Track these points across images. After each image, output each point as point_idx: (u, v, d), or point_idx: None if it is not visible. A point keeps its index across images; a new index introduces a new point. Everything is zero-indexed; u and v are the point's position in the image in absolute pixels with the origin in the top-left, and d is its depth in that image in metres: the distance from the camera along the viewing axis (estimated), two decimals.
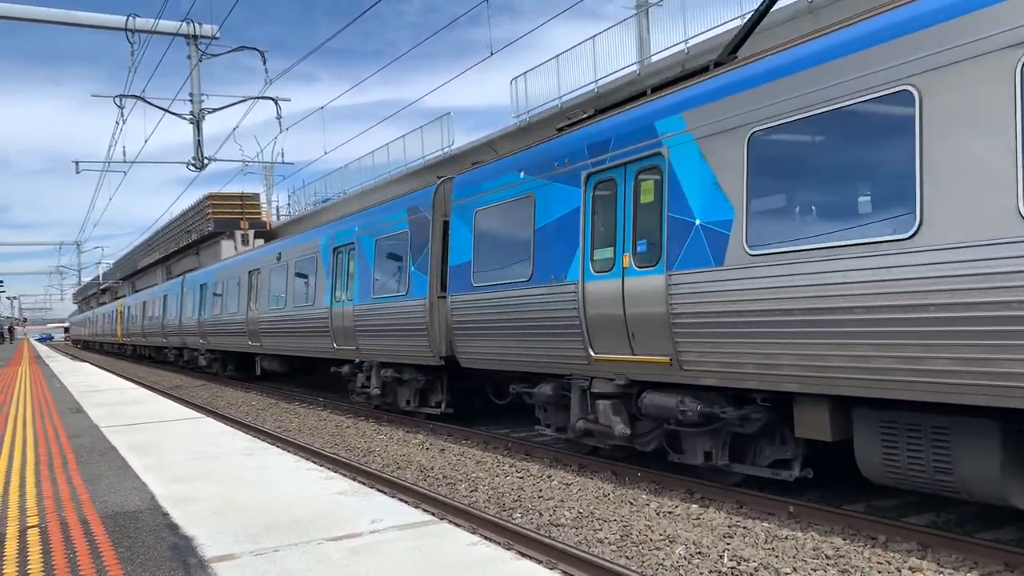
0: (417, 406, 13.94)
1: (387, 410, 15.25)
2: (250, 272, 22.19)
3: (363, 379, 15.59)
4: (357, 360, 15.64)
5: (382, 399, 14.87)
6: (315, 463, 7.57)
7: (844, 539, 6.60)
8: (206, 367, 28.71)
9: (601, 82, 21.61)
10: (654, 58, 20.28)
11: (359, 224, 15.62)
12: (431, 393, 13.80)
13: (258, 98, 23.61)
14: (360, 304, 15.04)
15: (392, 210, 14.33)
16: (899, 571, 5.79)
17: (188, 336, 29.54)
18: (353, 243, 15.68)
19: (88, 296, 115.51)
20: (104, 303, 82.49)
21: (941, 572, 5.72)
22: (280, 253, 19.99)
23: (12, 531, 5.42)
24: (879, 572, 5.80)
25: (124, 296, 72.58)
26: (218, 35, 23.17)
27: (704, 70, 8.32)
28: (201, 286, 27.77)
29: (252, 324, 21.48)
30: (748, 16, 16.97)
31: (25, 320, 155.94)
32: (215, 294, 25.59)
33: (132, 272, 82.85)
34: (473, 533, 6.10)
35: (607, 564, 6.00)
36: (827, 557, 6.18)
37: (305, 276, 17.98)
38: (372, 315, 14.53)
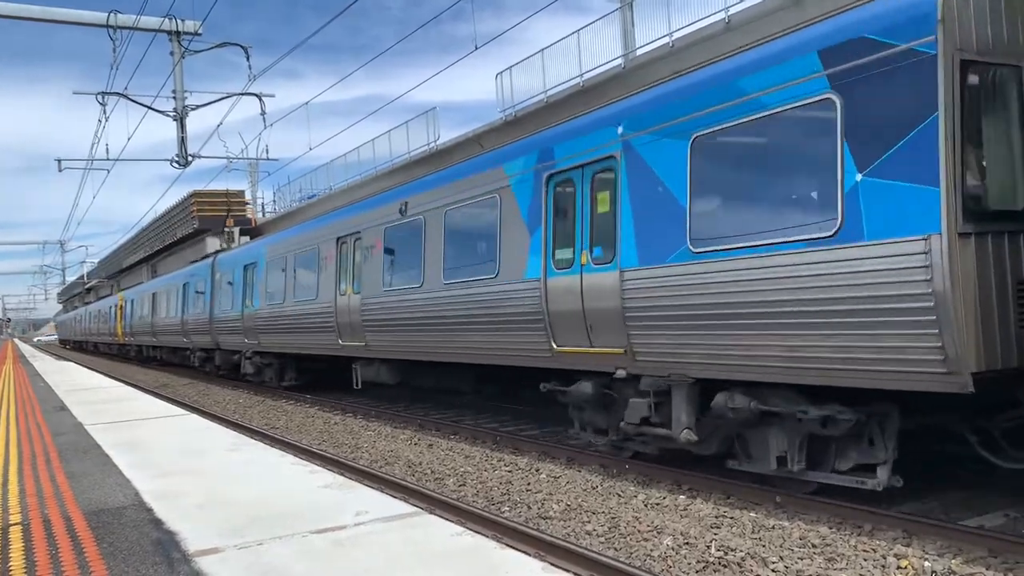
0: None
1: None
2: (342, 239, 15.69)
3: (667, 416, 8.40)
4: (629, 372, 8.59)
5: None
6: (301, 459, 7.54)
7: (830, 528, 6.63)
8: (252, 375, 21.62)
9: (586, 76, 21.60)
10: (639, 51, 20.28)
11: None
12: None
13: (242, 94, 23.45)
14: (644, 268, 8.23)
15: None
16: (885, 559, 5.82)
17: (224, 335, 22.94)
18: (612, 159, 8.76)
19: (73, 296, 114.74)
20: (89, 302, 77.53)
21: (926, 559, 5.75)
22: (406, 203, 13.30)
23: None
24: (865, 560, 5.82)
25: (123, 290, 69.08)
26: (200, 31, 22.98)
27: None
28: (246, 267, 21.37)
29: (352, 314, 14.98)
30: (732, 9, 17.02)
31: (9, 320, 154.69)
32: (276, 275, 18.85)
33: (117, 271, 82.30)
34: (459, 525, 6.08)
35: (595, 556, 6.00)
36: (813, 546, 6.20)
37: (480, 232, 11.20)
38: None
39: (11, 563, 4.54)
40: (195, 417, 11.40)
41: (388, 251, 13.81)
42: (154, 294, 33.90)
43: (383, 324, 13.75)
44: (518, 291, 9.96)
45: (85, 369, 29.14)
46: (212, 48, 23.00)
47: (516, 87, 24.34)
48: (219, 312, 23.29)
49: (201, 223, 52.37)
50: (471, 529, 5.09)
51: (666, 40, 19.12)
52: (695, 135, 7.60)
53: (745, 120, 7.09)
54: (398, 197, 13.71)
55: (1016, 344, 5.82)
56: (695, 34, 18.21)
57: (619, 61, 20.79)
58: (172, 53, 22.98)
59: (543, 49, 23.07)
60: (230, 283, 22.43)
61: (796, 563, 5.81)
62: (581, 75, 21.75)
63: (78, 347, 74.11)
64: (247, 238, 46.45)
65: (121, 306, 43.11)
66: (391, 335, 13.51)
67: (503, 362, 10.65)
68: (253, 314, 20.27)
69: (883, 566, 5.67)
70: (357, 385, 15.76)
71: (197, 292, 25.99)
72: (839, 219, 6.23)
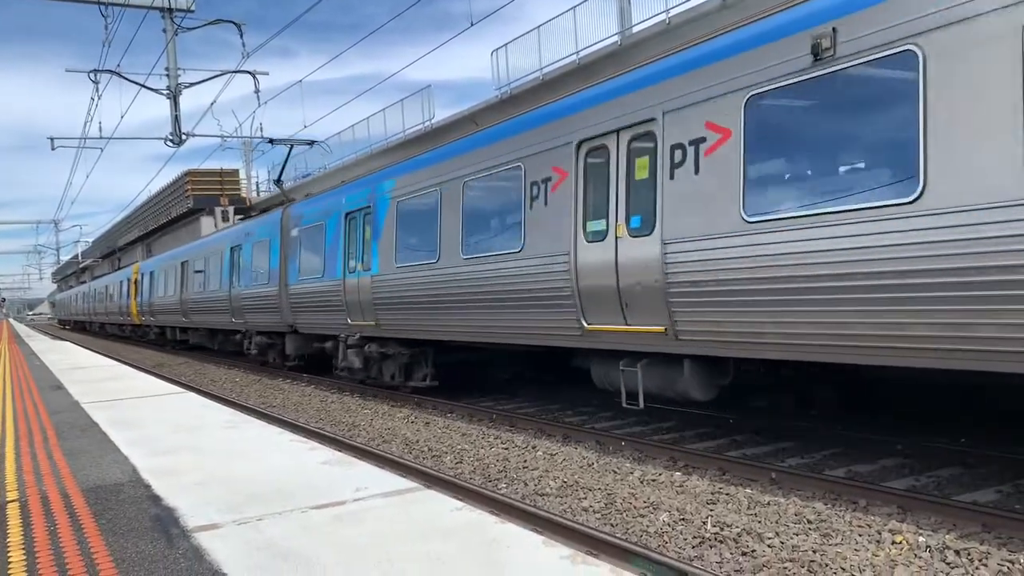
0: None
1: None
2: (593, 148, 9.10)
3: None
4: None
5: None
6: (299, 436, 7.55)
7: (825, 504, 6.67)
8: (357, 371, 15.16)
9: (582, 53, 21.49)
10: (635, 29, 20.17)
11: None
12: None
13: (236, 72, 23.27)
14: None
15: None
16: (879, 534, 5.86)
17: (307, 313, 16.74)
18: None
19: (67, 275, 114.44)
20: (84, 282, 74.96)
21: (920, 534, 5.80)
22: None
23: None
24: (860, 536, 5.86)
25: (116, 268, 65.84)
26: (193, 8, 22.79)
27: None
28: (350, 216, 14.85)
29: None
30: None
31: (3, 300, 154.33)
32: (416, 220, 12.59)
33: (112, 251, 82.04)
34: (459, 500, 6.11)
35: (592, 532, 6.03)
36: (809, 522, 6.24)
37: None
38: None
39: (9, 539, 4.55)
40: (192, 395, 11.40)
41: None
42: (183, 263, 26.90)
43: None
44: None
45: (81, 348, 29.09)
46: (205, 25, 22.82)
47: (512, 65, 24.23)
48: (297, 282, 17.01)
49: (195, 202, 52.16)
50: (470, 505, 5.10)
51: (663, 17, 19.02)
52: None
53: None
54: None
55: None
56: (691, 11, 18.10)
57: (615, 39, 20.68)
58: (165, 30, 22.80)
59: (539, 26, 22.94)
60: (317, 240, 16.18)
61: (792, 539, 5.85)
62: (577, 53, 21.64)
63: (80, 328, 67.14)
64: (240, 217, 46.29)
65: (136, 280, 35.64)
66: None
67: None
68: (366, 283, 13.85)
69: (878, 541, 5.72)
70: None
71: (255, 256, 19.66)
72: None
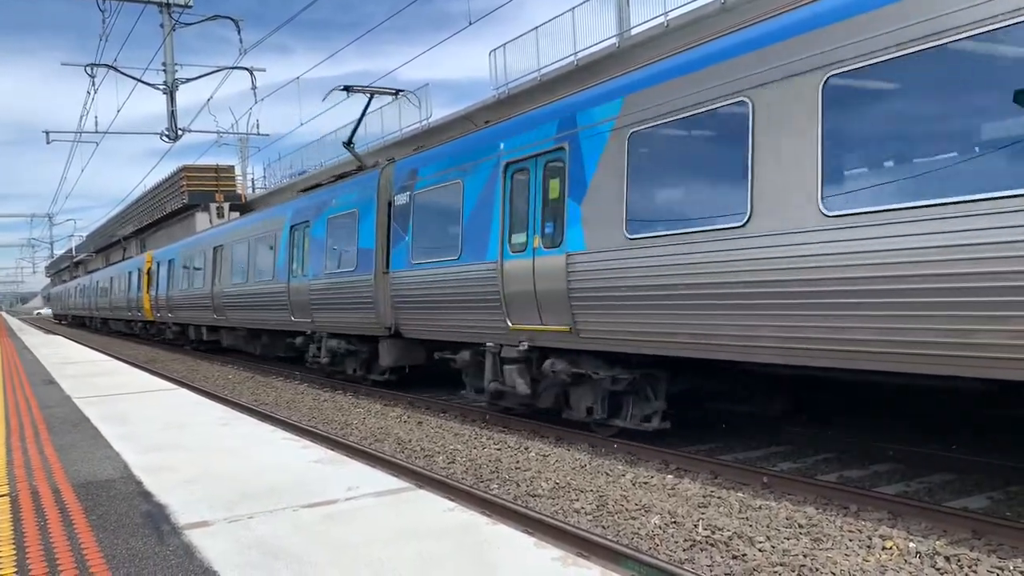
0: None
1: None
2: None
3: None
4: None
5: None
6: (291, 434, 7.53)
7: (816, 508, 6.68)
8: (524, 396, 10.54)
9: (581, 54, 21.51)
10: (634, 31, 20.20)
11: None
12: None
13: (233, 68, 23.25)
14: None
15: None
16: (870, 539, 5.87)
17: (414, 312, 12.56)
18: None
19: (61, 269, 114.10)
20: (77, 276, 74.35)
21: (911, 540, 5.81)
22: None
23: None
24: (851, 541, 5.87)
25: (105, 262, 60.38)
26: (191, 3, 22.75)
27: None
28: (512, 168, 10.41)
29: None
30: None
31: None
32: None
33: (106, 245, 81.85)
34: (451, 501, 6.11)
35: (584, 534, 6.04)
36: (800, 526, 6.25)
37: None
38: None
39: None
40: (185, 392, 11.38)
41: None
42: (216, 249, 22.69)
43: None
44: None
45: (73, 343, 29.01)
46: (203, 21, 22.79)
47: (510, 65, 24.24)
48: (407, 267, 12.59)
49: (191, 198, 52.08)
50: (462, 505, 5.10)
51: (661, 19, 19.05)
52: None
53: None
54: None
55: None
56: (691, 13, 18.14)
57: (613, 40, 20.70)
58: (162, 25, 22.74)
59: (537, 27, 22.95)
60: (447, 207, 11.71)
61: (783, 543, 5.86)
62: (576, 54, 21.65)
63: (79, 324, 61.82)
64: (237, 214, 46.22)
65: (149, 270, 31.25)
66: None
67: None
68: (554, 266, 9.46)
69: (868, 547, 5.73)
70: None
71: (331, 235, 15.23)
72: None
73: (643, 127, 8.34)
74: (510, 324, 10.28)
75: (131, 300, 34.57)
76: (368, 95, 17.06)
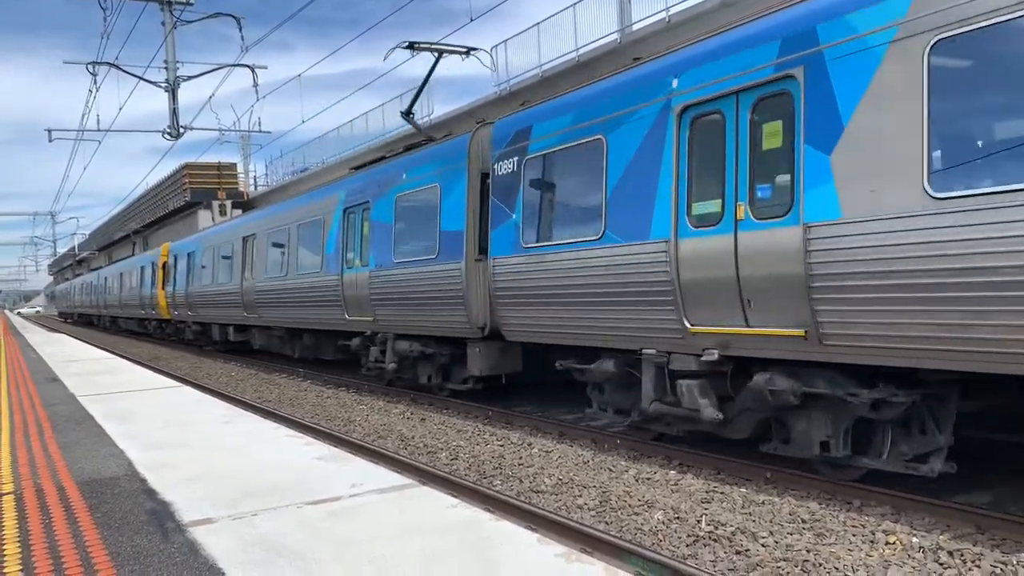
0: None
1: None
2: None
3: None
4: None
5: None
6: (295, 431, 7.55)
7: (819, 504, 6.69)
8: (717, 423, 7.80)
9: (582, 50, 21.49)
10: (635, 26, 20.18)
11: None
12: None
13: (234, 65, 23.25)
14: None
15: None
16: (873, 534, 5.88)
17: (545, 307, 9.72)
18: None
19: (64, 267, 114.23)
20: (80, 274, 73.63)
21: (914, 535, 5.81)
22: None
23: None
24: (854, 535, 5.88)
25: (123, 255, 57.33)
26: (192, 1, 22.76)
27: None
28: (698, 115, 7.71)
29: None
30: None
31: None
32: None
33: (108, 243, 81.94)
34: (454, 497, 6.12)
35: (587, 530, 6.04)
36: (803, 521, 6.26)
37: None
38: None
39: (4, 531, 4.55)
40: (188, 389, 11.41)
41: None
42: (246, 239, 20.24)
43: None
44: None
45: (76, 340, 29.06)
46: (204, 18, 22.80)
47: (511, 61, 24.20)
48: (514, 252, 10.19)
49: (193, 196, 52.10)
50: (465, 501, 5.11)
51: (663, 15, 19.02)
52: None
53: None
54: None
55: None
56: (692, 8, 18.12)
57: (615, 36, 20.68)
58: (164, 23, 22.75)
59: (538, 23, 22.93)
60: (577, 173, 9.31)
61: (786, 538, 5.87)
62: (577, 50, 21.63)
63: (86, 322, 59.56)
64: (239, 211, 46.24)
65: (165, 265, 28.93)
66: None
67: None
68: (784, 242, 6.82)
69: (872, 541, 5.74)
70: None
71: (401, 216, 12.90)
72: None
73: (955, 30, 5.62)
74: (689, 325, 7.73)
75: (144, 297, 32.02)
76: (435, 54, 14.69)
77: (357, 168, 15.60)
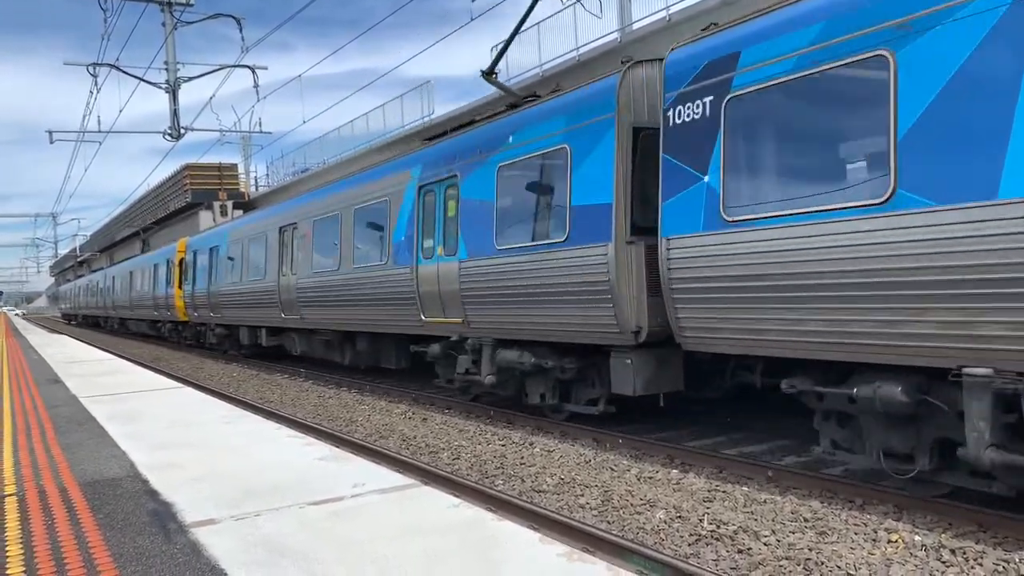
0: None
1: None
2: None
3: None
4: None
5: None
6: (296, 432, 7.55)
7: (822, 502, 6.68)
8: None
9: (582, 50, 21.48)
10: (635, 26, 20.17)
11: None
12: None
13: (235, 66, 23.25)
14: None
15: None
16: (876, 533, 5.88)
17: (779, 303, 6.81)
18: None
19: (66, 268, 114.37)
20: (82, 275, 72.88)
21: (916, 533, 5.81)
22: None
23: None
24: (856, 534, 5.88)
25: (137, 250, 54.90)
26: (192, 1, 22.75)
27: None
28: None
29: None
30: None
31: (1, 293, 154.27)
32: None
33: (110, 244, 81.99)
34: (456, 497, 6.12)
35: (590, 529, 6.04)
36: (805, 520, 6.25)
37: None
38: None
39: (7, 533, 4.55)
40: (190, 390, 11.41)
41: None
42: (284, 229, 17.80)
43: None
44: None
45: (78, 342, 29.06)
46: (204, 19, 22.79)
47: (512, 61, 24.17)
48: (700, 230, 7.61)
49: (194, 196, 52.11)
50: (467, 501, 5.11)
51: (663, 15, 19.01)
52: None
53: None
54: None
55: None
56: (693, 7, 18.10)
57: (615, 35, 20.66)
58: (164, 24, 22.75)
59: (539, 22, 22.91)
60: (833, 111, 6.42)
61: (788, 537, 5.87)
62: (577, 49, 21.63)
63: (92, 324, 56.43)
64: (240, 212, 46.23)
65: (182, 261, 26.51)
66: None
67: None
68: None
69: (874, 540, 5.73)
70: None
71: (504, 192, 10.44)
72: None
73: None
74: None
75: (158, 298, 29.22)
76: None
77: (431, 139, 13.12)
